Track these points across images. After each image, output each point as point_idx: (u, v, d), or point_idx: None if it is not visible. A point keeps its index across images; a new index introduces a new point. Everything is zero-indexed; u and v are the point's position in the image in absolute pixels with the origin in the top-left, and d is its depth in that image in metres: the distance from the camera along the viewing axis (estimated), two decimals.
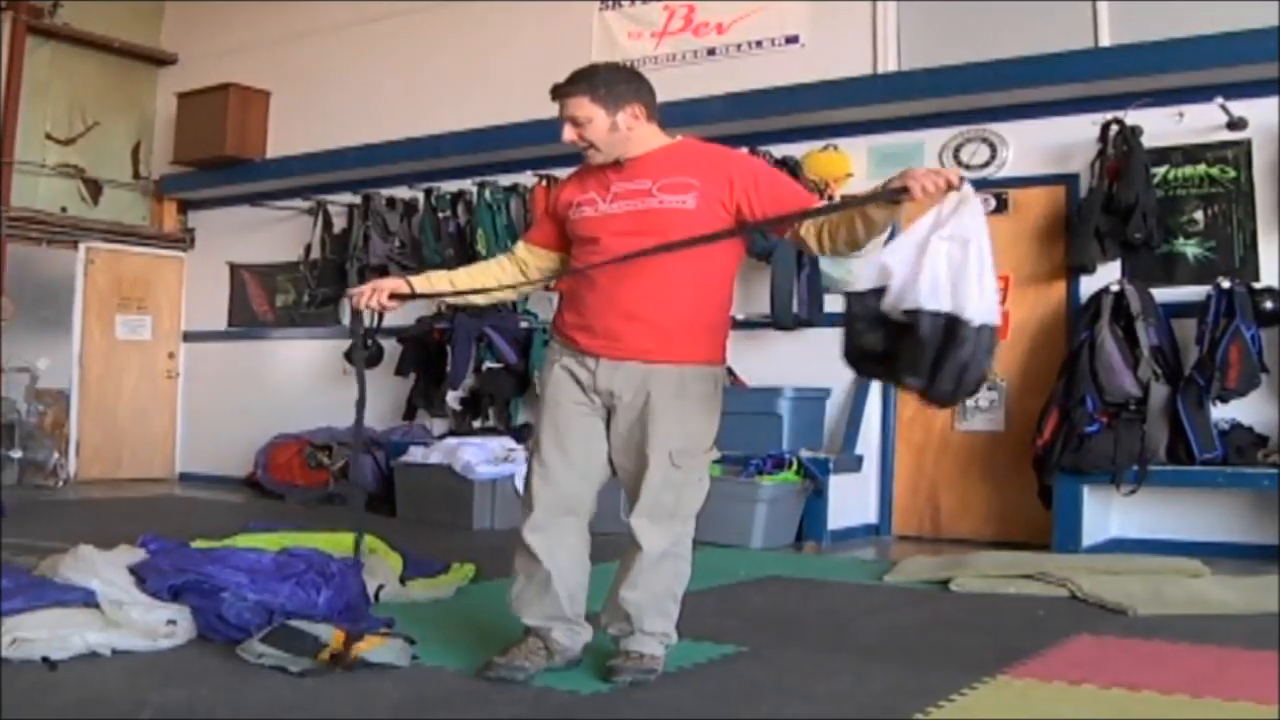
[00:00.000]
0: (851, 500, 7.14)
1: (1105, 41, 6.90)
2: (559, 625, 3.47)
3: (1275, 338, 6.30)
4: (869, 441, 7.32)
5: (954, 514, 7.20)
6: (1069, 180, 6.96)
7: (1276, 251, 6.43)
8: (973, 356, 2.96)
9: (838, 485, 6.94)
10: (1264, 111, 6.44)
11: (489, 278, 3.70)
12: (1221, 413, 6.33)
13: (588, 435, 3.48)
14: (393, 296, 3.61)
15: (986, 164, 7.18)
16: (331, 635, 3.48)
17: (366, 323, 3.77)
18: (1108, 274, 6.68)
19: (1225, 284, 6.30)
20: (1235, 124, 6.53)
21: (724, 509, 6.59)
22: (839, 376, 7.20)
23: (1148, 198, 6.56)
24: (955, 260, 3.02)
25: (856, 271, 3.40)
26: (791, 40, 7.90)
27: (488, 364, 8.35)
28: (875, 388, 7.30)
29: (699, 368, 3.48)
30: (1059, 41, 6.93)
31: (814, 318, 7.30)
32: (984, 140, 7.23)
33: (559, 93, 3.43)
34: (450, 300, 3.89)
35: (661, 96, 7.84)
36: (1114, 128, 6.69)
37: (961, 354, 2.95)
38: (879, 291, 3.09)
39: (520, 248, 3.73)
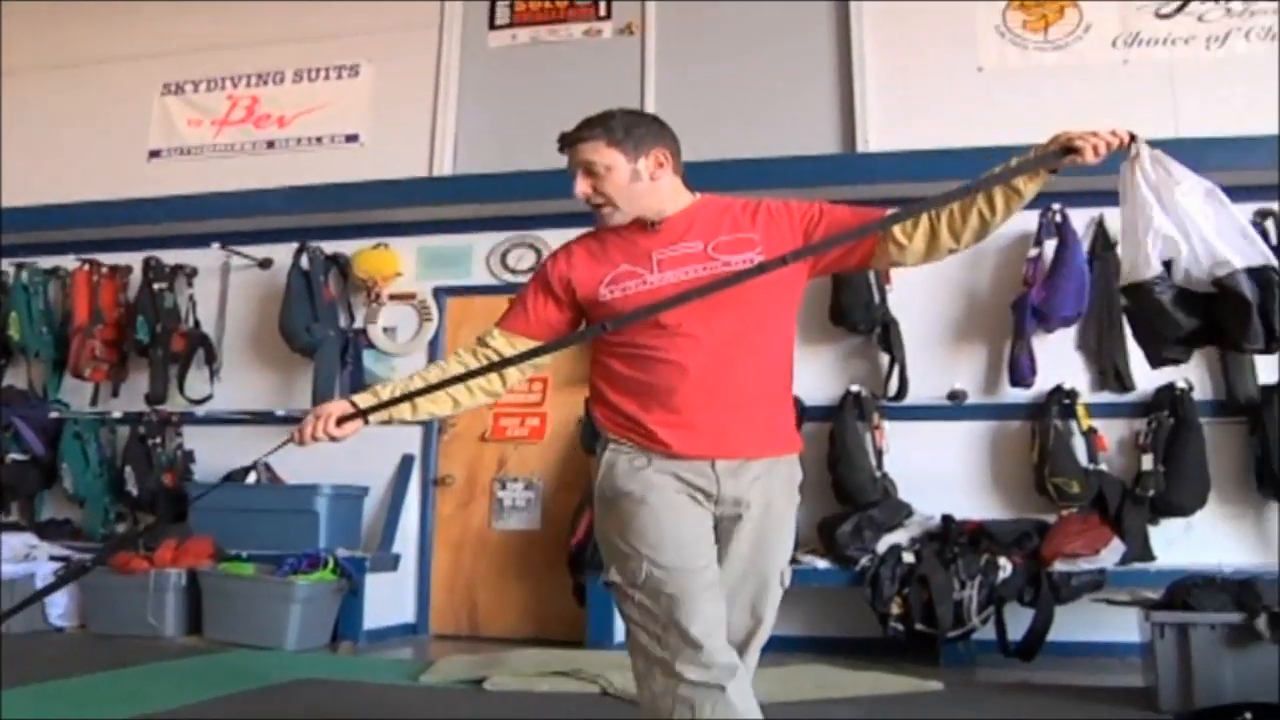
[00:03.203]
0: (389, 599, 7.05)
1: None
2: None
3: None
4: (407, 539, 7.27)
5: (491, 612, 7.22)
6: None
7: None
8: None
9: (374, 584, 6.84)
10: None
11: (460, 391, 2.91)
12: None
13: (710, 553, 2.78)
14: (342, 422, 2.87)
15: (533, 268, 7.28)
16: None
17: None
18: None
19: None
20: None
21: (256, 609, 6.45)
22: (378, 474, 7.18)
23: None
24: (1212, 213, 2.85)
25: (1129, 260, 2.94)
26: (352, 138, 7.92)
27: (12, 455, 7.79)
28: (414, 485, 7.31)
29: (797, 458, 2.97)
30: None
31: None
32: (531, 246, 7.44)
33: (570, 139, 2.85)
34: (409, 419, 2.97)
35: (216, 186, 7.80)
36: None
37: None
38: (1168, 265, 2.86)
39: (497, 340, 2.95)
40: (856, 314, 6.67)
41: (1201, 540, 6.34)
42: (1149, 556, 6.21)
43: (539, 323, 2.92)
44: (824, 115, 7.15)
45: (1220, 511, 6.37)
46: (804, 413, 6.64)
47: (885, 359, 6.79)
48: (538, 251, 7.39)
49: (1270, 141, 6.41)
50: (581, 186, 2.85)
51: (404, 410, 2.88)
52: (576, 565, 6.62)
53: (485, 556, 7.28)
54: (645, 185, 2.85)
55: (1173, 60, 7.00)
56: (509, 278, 7.39)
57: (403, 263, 7.56)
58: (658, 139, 2.89)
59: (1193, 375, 6.45)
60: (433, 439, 7.39)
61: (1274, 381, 6.32)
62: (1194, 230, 2.81)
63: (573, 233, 7.09)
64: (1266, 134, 6.47)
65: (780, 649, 6.36)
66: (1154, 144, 6.87)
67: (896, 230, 2.82)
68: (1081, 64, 7.08)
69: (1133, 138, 2.80)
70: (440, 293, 7.55)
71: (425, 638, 7.19)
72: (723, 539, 2.80)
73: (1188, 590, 4.96)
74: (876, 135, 7.02)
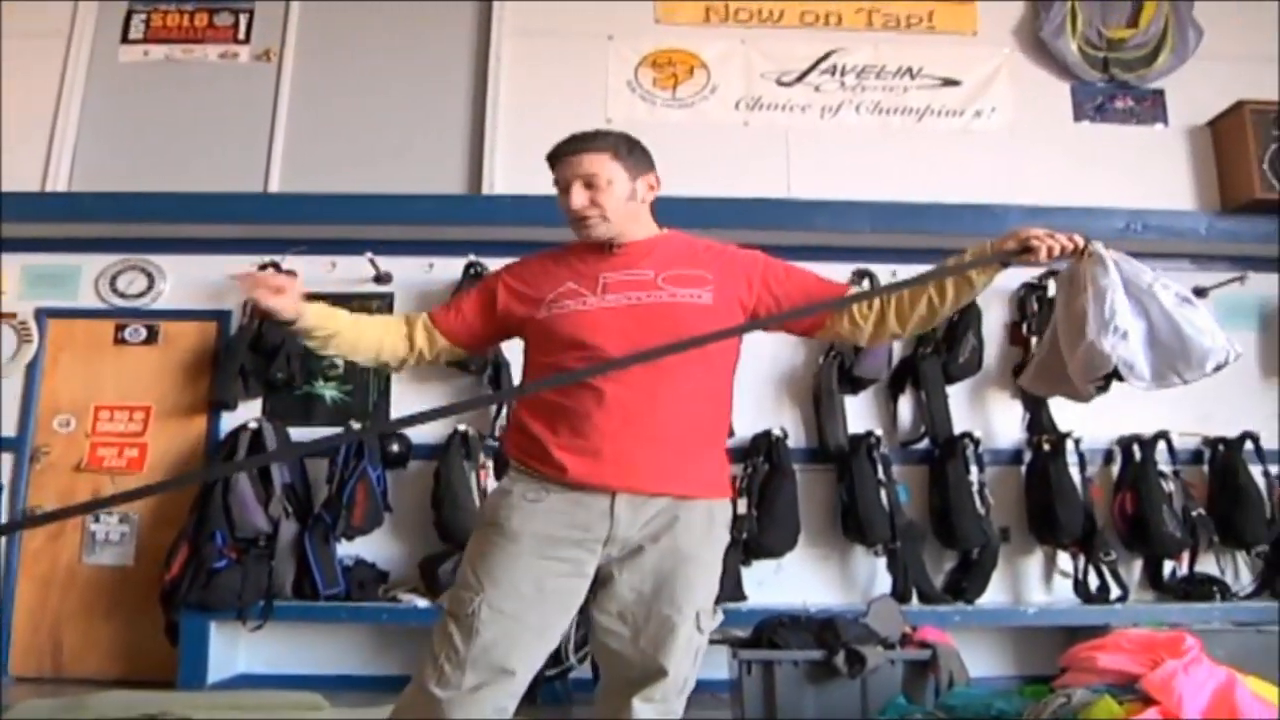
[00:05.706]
0: None
1: (275, 188, 7.15)
2: None
3: (398, 479, 6.71)
4: None
5: (78, 652, 6.80)
6: (222, 316, 7.06)
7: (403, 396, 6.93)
8: None
9: None
10: (405, 269, 6.99)
11: (381, 342, 2.95)
12: (347, 549, 6.58)
13: (567, 604, 2.74)
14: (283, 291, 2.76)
15: (143, 294, 7.11)
16: None
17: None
18: (248, 411, 6.82)
19: (356, 425, 6.68)
20: (381, 278, 6.99)
21: None
22: None
23: (293, 340, 6.76)
24: (1185, 311, 2.78)
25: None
26: None
27: None
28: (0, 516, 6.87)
29: (725, 502, 2.90)
30: (233, 183, 7.11)
31: None
32: (142, 270, 7.16)
33: (575, 148, 2.88)
34: (316, 347, 2.90)
35: None
36: (270, 270, 6.91)
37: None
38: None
39: (420, 323, 2.99)
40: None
41: (790, 581, 6.64)
42: (740, 596, 6.43)
43: (461, 324, 2.98)
44: (454, 156, 7.20)
45: (808, 553, 6.68)
46: (409, 450, 6.71)
47: None
48: (150, 276, 7.12)
49: (870, 208, 6.85)
50: (579, 199, 2.85)
51: (324, 326, 2.84)
52: (170, 603, 6.36)
53: (74, 593, 6.86)
54: (636, 206, 2.90)
55: (789, 126, 7.38)
56: (118, 302, 7.09)
57: (5, 280, 7.15)
58: (650, 164, 2.96)
59: (788, 424, 6.77)
60: (23, 466, 6.96)
61: (862, 432, 6.69)
62: (1164, 323, 2.85)
63: (189, 259, 7.03)
64: (867, 199, 6.90)
65: (381, 688, 6.29)
66: (767, 202, 7.21)
67: (854, 309, 2.90)
68: (706, 122, 7.39)
69: (1087, 243, 2.86)
70: (43, 314, 7.14)
71: (4, 681, 6.72)
72: (614, 575, 2.75)
73: (774, 629, 5.17)
74: (502, 178, 7.10)
